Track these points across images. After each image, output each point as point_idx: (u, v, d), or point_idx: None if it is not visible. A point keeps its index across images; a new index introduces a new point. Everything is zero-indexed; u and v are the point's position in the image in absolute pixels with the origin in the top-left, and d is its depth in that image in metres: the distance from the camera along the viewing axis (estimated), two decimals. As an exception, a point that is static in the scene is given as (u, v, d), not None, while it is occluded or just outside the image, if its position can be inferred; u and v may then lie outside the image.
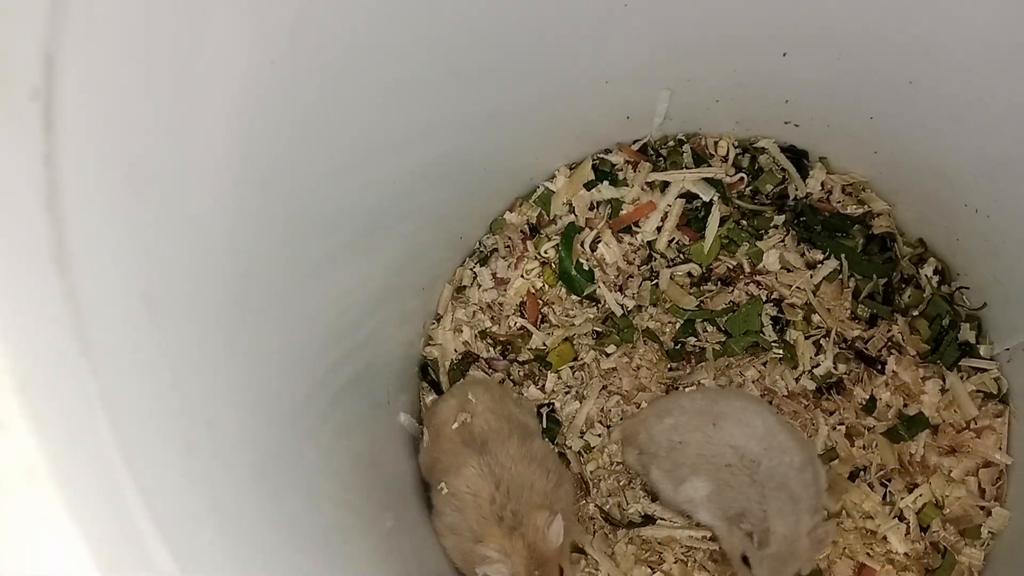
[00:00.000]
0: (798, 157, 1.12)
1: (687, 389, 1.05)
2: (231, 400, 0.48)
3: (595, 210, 1.13)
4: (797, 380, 1.07)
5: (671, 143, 1.13)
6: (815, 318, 1.09)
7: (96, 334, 0.32)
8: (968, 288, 1.08)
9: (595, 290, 1.11)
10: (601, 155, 1.13)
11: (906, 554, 1.01)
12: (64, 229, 0.32)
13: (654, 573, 1.02)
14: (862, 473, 1.04)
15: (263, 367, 0.59)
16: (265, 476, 0.52)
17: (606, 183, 1.12)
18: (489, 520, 0.91)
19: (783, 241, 1.11)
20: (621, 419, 1.06)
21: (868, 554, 1.01)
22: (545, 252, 1.12)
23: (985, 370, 1.06)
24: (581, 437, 1.06)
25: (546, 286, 1.12)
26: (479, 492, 0.92)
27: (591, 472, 1.06)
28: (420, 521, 0.96)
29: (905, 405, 1.06)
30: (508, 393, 1.05)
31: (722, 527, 0.95)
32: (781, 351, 1.07)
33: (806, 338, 1.08)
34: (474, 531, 0.91)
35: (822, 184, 1.12)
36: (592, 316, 1.10)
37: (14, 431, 0.25)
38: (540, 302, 1.12)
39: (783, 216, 1.11)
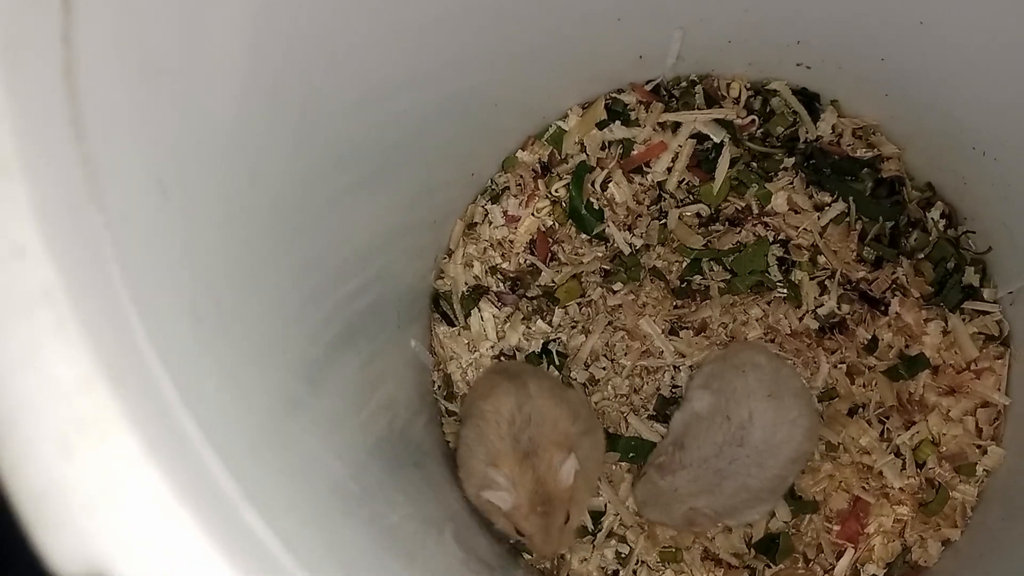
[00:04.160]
0: (809, 100, 1.13)
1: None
2: (240, 291, 0.51)
3: (607, 150, 1.15)
4: (800, 319, 1.09)
5: (683, 84, 1.14)
6: (821, 259, 1.10)
7: (110, 196, 0.35)
8: (974, 232, 1.09)
9: (604, 229, 1.13)
10: (614, 95, 1.14)
11: (901, 488, 1.03)
12: (79, 101, 0.34)
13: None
14: (860, 410, 1.06)
15: (273, 273, 0.62)
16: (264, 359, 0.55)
17: (618, 123, 1.14)
18: (505, 440, 0.91)
19: (792, 183, 1.12)
20: (626, 354, 1.09)
21: (863, 488, 1.04)
22: (556, 191, 1.14)
23: (987, 313, 1.07)
24: (586, 369, 1.09)
25: (556, 224, 1.14)
26: (500, 410, 0.93)
27: (596, 404, 1.08)
28: (425, 435, 1.00)
29: (907, 346, 1.07)
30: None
31: (668, 441, 1.01)
32: (785, 291, 1.09)
33: (811, 279, 1.09)
34: (488, 452, 0.92)
35: (833, 127, 1.13)
36: (600, 254, 1.12)
37: (33, 257, 0.28)
38: (550, 240, 1.14)
39: (793, 159, 1.12)
